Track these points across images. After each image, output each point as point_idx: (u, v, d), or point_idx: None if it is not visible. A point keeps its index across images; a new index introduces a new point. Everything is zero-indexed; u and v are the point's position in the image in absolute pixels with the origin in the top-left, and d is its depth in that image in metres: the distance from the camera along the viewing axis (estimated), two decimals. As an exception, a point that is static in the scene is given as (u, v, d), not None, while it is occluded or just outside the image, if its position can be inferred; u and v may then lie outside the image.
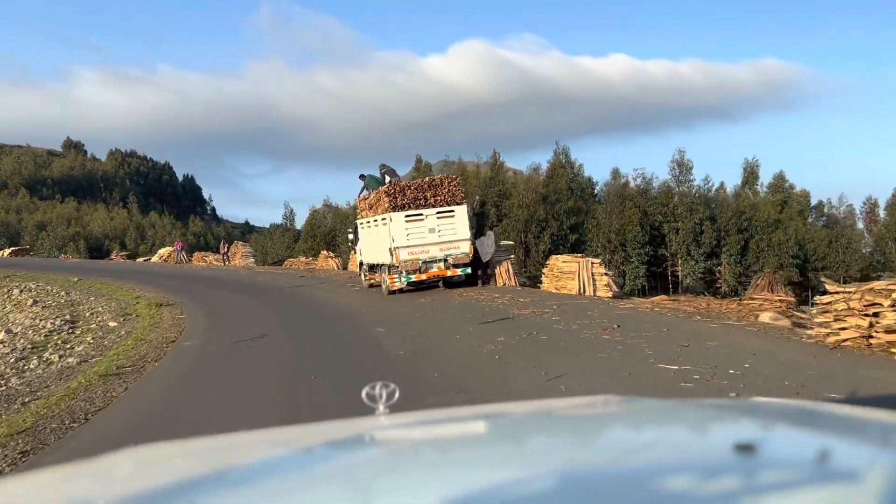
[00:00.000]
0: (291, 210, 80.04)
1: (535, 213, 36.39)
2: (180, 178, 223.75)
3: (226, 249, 40.35)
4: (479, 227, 19.22)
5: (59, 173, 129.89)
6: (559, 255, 17.09)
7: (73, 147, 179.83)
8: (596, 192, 49.78)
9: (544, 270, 17.78)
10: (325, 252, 35.65)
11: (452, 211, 18.12)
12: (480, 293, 17.74)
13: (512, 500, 0.85)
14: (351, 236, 23.22)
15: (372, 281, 21.03)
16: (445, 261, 18.11)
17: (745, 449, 0.95)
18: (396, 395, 1.46)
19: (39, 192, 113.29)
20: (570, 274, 15.90)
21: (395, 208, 17.95)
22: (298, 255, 42.35)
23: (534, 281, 22.66)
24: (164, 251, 46.44)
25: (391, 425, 1.39)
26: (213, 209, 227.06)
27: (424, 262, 18.02)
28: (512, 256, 20.06)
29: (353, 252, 32.90)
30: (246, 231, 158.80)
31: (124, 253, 50.16)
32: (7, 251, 53.48)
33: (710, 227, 39.47)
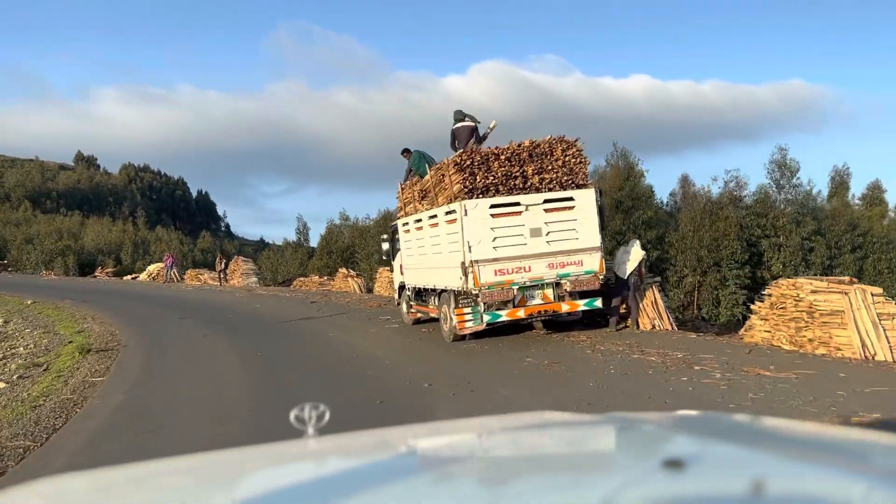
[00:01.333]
0: (305, 224, 71.46)
1: (611, 224, 28.88)
2: (194, 194, 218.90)
3: (222, 266, 32.98)
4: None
5: (65, 186, 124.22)
6: (801, 279, 9.21)
7: (85, 161, 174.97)
8: (664, 201, 42.26)
9: (757, 307, 9.78)
10: (343, 270, 28.16)
11: (571, 199, 10.50)
12: (623, 343, 10.03)
13: None
14: (385, 245, 15.60)
15: (419, 315, 13.45)
16: (558, 285, 10.46)
17: (674, 465, 0.95)
18: (327, 416, 1.37)
19: (43, 204, 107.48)
20: (830, 314, 8.04)
21: (471, 193, 10.38)
22: (311, 274, 34.85)
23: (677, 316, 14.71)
24: (153, 267, 39.31)
25: (320, 449, 1.33)
26: (228, 226, 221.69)
27: (523, 288, 10.39)
28: (658, 279, 12.27)
29: (382, 270, 25.83)
30: (259, 248, 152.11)
31: (110, 270, 43.11)
32: (-20, 266, 46.75)
33: (821, 244, 31.72)
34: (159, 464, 1.38)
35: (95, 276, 42.56)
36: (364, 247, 57.12)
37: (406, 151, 13.60)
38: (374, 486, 1.02)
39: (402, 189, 13.49)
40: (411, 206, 13.07)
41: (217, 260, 33.65)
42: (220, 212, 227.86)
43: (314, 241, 72.30)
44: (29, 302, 26.03)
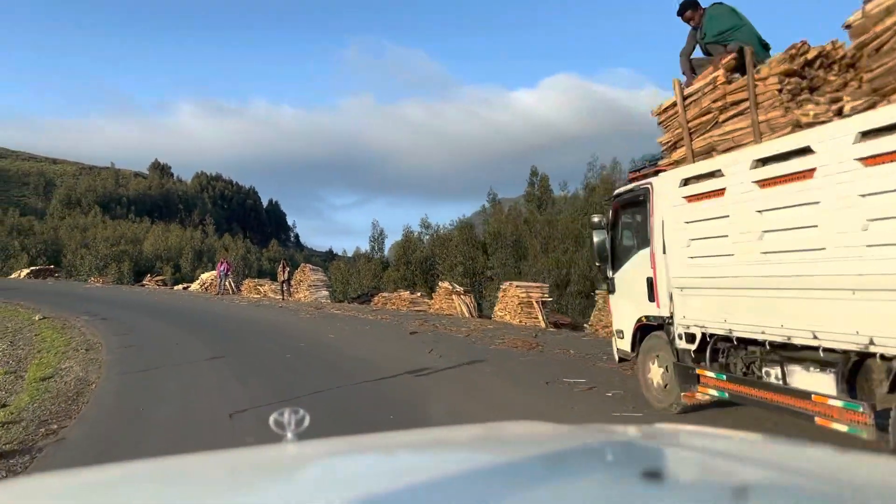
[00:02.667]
0: (381, 231, 63.67)
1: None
2: (265, 204, 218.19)
3: (285, 276, 26.16)
4: None
5: (136, 192, 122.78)
6: None
7: (159, 169, 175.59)
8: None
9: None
10: (447, 284, 20.76)
11: None
12: None
13: None
14: (599, 237, 7.60)
15: (711, 395, 5.73)
16: None
17: (653, 476, 0.94)
18: (306, 421, 1.34)
19: (113, 210, 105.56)
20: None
21: None
22: (398, 289, 27.62)
23: None
24: (206, 276, 33.03)
25: (299, 454, 1.30)
26: (297, 236, 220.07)
27: None
28: None
29: (509, 285, 18.21)
30: (327, 259, 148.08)
31: (159, 278, 37.23)
32: (25, 272, 41.79)
33: None
34: (140, 466, 1.34)
35: (143, 285, 36.77)
36: (446, 257, 49.69)
37: (692, 6, 6.04)
38: (352, 491, 1.02)
39: (684, 100, 5.77)
40: (703, 135, 5.42)
41: (279, 268, 26.84)
42: (289, 222, 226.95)
43: (381, 252, 65.52)
44: (38, 317, 19.89)
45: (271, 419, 1.34)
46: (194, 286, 33.35)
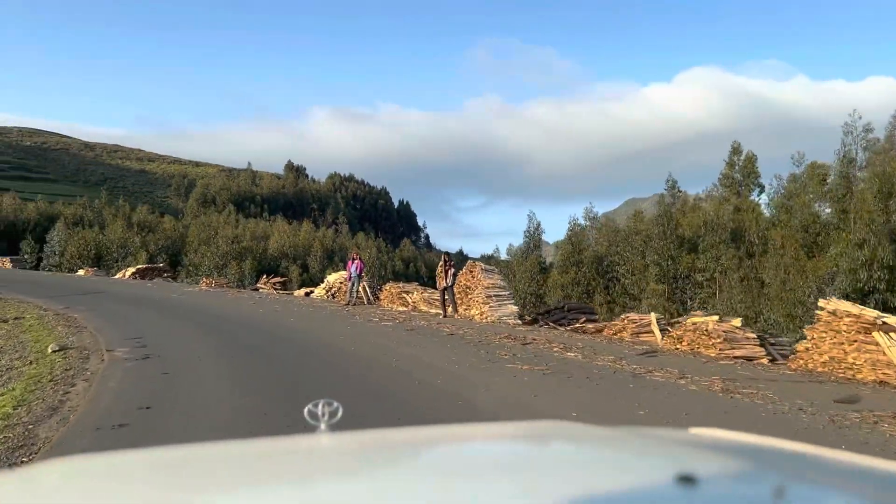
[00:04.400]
0: (538, 226, 50.31)
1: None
2: (396, 205, 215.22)
3: (449, 280, 16.65)
4: None
5: (269, 191, 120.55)
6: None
7: (295, 170, 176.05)
8: None
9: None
10: (856, 308, 10.16)
11: None
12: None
13: None
14: None
15: None
16: None
17: (687, 480, 0.94)
18: (339, 413, 1.37)
19: (247, 208, 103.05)
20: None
21: None
22: (631, 309, 17.32)
23: None
24: (334, 278, 24.36)
25: (332, 445, 1.31)
26: (427, 237, 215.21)
27: None
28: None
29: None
30: (460, 262, 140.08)
31: (276, 280, 29.20)
32: (130, 271, 35.61)
33: None
34: (183, 450, 1.36)
35: (257, 289, 28.93)
36: (629, 257, 38.21)
37: None
38: (384, 484, 1.02)
39: None
40: None
41: (440, 268, 17.33)
42: (419, 223, 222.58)
43: (537, 250, 54.43)
44: (51, 349, 11.80)
45: (305, 410, 1.35)
46: (318, 291, 24.81)
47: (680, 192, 49.19)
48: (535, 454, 1.34)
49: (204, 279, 33.08)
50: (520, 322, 15.68)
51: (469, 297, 17.35)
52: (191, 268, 46.16)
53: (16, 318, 17.20)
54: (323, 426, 1.33)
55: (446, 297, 16.82)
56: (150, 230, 55.81)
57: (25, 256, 48.84)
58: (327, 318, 16.70)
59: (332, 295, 23.46)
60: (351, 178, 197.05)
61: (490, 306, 15.65)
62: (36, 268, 46.39)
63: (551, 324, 17.09)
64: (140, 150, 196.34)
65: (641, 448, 1.34)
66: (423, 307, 18.89)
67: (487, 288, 16.99)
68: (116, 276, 36.03)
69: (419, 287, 20.86)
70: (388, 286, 21.36)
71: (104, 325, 14.91)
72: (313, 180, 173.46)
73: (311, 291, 26.09)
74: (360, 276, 20.61)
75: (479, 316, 15.80)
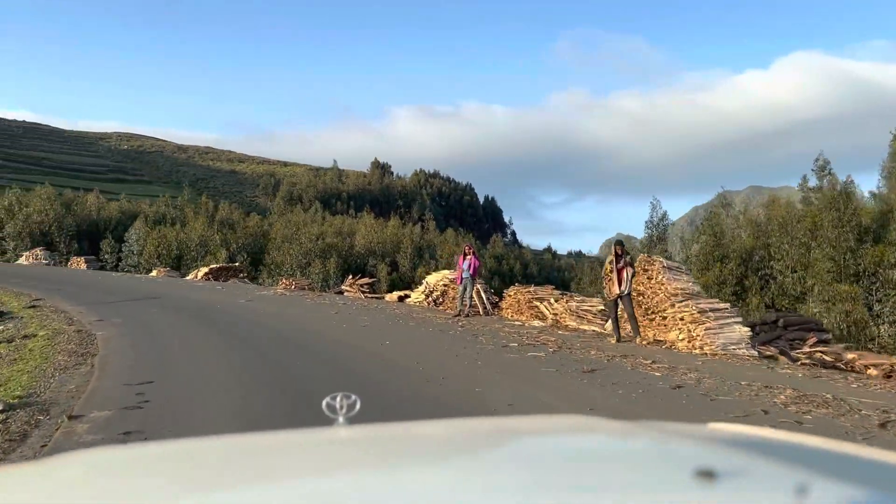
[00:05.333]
0: (664, 215, 40.94)
1: None
2: (481, 201, 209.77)
3: (625, 284, 10.88)
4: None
5: (355, 187, 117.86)
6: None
7: (380, 167, 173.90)
8: None
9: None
10: None
11: None
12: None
13: None
14: None
15: None
16: None
17: (707, 475, 0.92)
18: (357, 406, 1.39)
19: (333, 206, 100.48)
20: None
21: None
22: None
23: None
24: (434, 280, 19.09)
25: (351, 437, 1.33)
26: (514, 233, 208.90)
27: None
28: None
29: None
30: (537, 257, 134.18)
31: (364, 281, 24.29)
32: (203, 271, 31.77)
33: None
34: (202, 442, 1.34)
35: (342, 292, 24.15)
36: (787, 250, 30.96)
37: None
38: (403, 476, 1.02)
39: None
40: None
41: (607, 266, 11.57)
42: (506, 219, 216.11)
43: (661, 243, 46.96)
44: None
45: (324, 403, 1.34)
46: (415, 295, 19.66)
47: (831, 173, 41.24)
48: (551, 447, 1.32)
49: (283, 280, 28.62)
50: (755, 352, 9.76)
51: (646, 308, 11.63)
52: (272, 267, 42.32)
53: (24, 337, 12.91)
54: (341, 419, 1.29)
55: (620, 309, 11.14)
56: (232, 227, 52.73)
57: (106, 256, 46.54)
58: (438, 339, 11.38)
59: (434, 301, 18.23)
60: (436, 175, 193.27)
61: (707, 329, 9.82)
62: (115, 268, 43.85)
63: (775, 350, 11.13)
64: (230, 152, 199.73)
65: (660, 442, 1.33)
66: (570, 321, 13.31)
67: (674, 296, 11.19)
68: (188, 278, 32.32)
69: (555, 292, 15.24)
70: (512, 291, 15.86)
71: (122, 349, 10.33)
72: (398, 177, 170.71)
73: (406, 295, 20.99)
74: (473, 278, 15.23)
75: (683, 342, 10.03)
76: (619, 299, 10.93)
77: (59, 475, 1.12)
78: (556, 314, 13.72)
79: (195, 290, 23.36)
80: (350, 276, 25.31)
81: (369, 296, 23.46)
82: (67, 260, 39.87)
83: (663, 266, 11.92)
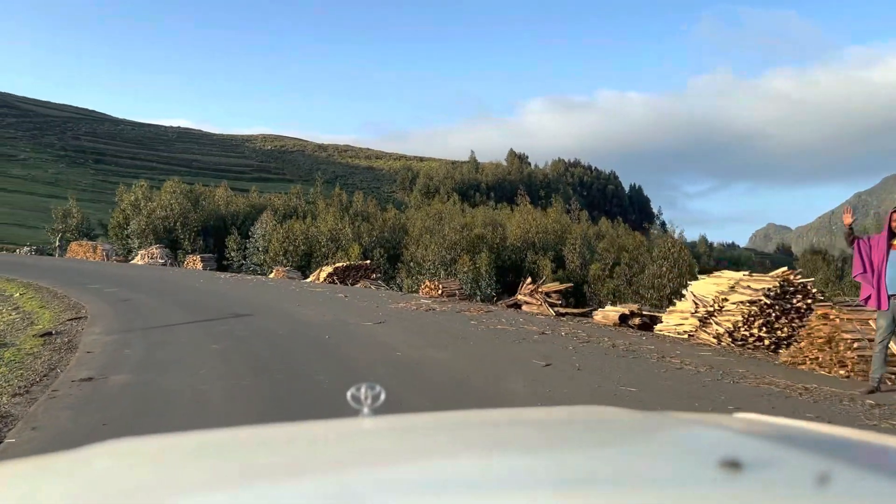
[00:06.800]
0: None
1: None
2: (626, 190, 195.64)
3: None
4: None
5: (494, 178, 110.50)
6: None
7: (517, 158, 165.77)
8: None
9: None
10: None
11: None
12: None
13: None
14: None
15: None
16: None
17: (732, 466, 0.91)
18: (382, 397, 1.35)
19: (472, 197, 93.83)
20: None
21: None
22: None
23: None
24: (707, 288, 10.51)
25: (376, 427, 1.32)
26: (663, 224, 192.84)
27: None
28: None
29: None
30: (710, 252, 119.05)
31: (552, 287, 16.08)
32: (326, 271, 25.03)
33: None
34: (228, 432, 1.34)
35: (517, 305, 16.11)
36: None
37: None
38: (427, 466, 1.03)
39: None
40: None
41: None
42: (653, 208, 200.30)
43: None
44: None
45: (349, 394, 1.36)
46: (671, 319, 11.10)
47: None
48: (572, 436, 1.32)
49: (426, 283, 20.82)
50: None
51: None
52: (412, 265, 35.23)
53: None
54: (366, 410, 1.32)
55: None
56: (367, 220, 46.36)
57: (231, 254, 41.72)
58: None
59: (718, 338, 9.57)
60: (577, 164, 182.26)
61: None
62: (240, 268, 38.67)
63: None
64: (368, 150, 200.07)
65: (682, 432, 1.33)
66: None
67: None
68: (308, 280, 25.66)
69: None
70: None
71: None
72: (537, 167, 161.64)
73: (592, 310, 12.44)
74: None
75: None
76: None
77: (89, 465, 1.12)
78: None
79: (307, 299, 16.25)
80: (527, 280, 17.05)
81: (562, 310, 15.18)
82: (184, 259, 35.04)
83: None
